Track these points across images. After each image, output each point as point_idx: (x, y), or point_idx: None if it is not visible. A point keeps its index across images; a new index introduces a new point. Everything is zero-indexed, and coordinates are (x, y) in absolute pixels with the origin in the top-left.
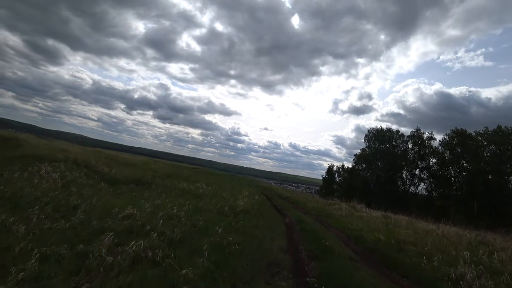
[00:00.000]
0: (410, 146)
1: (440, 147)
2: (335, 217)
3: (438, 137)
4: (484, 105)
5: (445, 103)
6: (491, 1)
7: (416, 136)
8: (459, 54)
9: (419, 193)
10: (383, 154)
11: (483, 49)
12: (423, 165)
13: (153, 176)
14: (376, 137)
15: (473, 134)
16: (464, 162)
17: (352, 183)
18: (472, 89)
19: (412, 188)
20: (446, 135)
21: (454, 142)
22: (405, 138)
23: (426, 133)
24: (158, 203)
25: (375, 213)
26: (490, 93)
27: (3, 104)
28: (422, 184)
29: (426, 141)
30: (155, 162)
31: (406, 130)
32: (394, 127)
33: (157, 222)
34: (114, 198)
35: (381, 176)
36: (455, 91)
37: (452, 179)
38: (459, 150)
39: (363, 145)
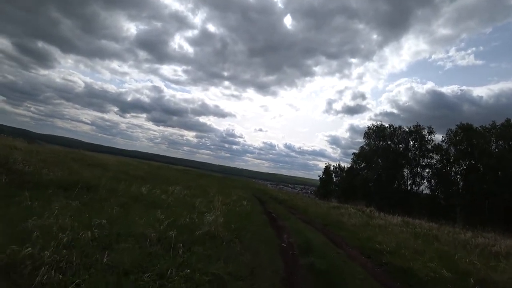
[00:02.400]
0: (411, 143)
1: (444, 143)
2: (347, 228)
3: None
4: (475, 103)
5: (438, 101)
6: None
7: (416, 131)
8: (450, 53)
9: (422, 192)
10: (383, 151)
11: (474, 48)
12: (424, 162)
13: (112, 178)
14: (376, 133)
15: (480, 129)
16: (471, 159)
17: (352, 182)
18: (464, 87)
19: (414, 187)
20: (449, 130)
21: (458, 137)
22: (404, 135)
23: (426, 129)
24: (32, 225)
25: (392, 219)
26: (481, 91)
27: None
28: (426, 182)
29: (427, 137)
30: (137, 163)
31: None
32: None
33: None
34: None
35: (382, 175)
36: (447, 89)
37: (458, 177)
38: (465, 146)
39: (358, 145)
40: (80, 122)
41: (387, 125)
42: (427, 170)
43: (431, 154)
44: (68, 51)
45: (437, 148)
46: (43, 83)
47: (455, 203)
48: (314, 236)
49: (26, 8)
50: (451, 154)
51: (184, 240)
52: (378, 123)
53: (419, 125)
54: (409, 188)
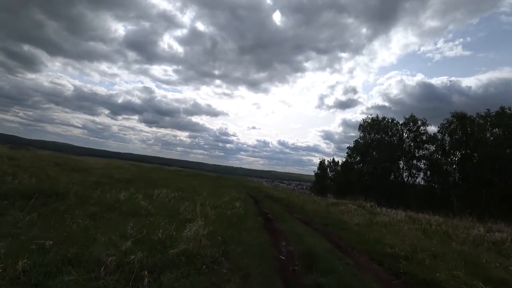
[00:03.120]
0: (405, 135)
1: (438, 134)
2: (351, 228)
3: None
4: (465, 93)
5: (428, 93)
6: None
7: (412, 121)
8: (438, 45)
9: (419, 184)
10: (378, 144)
11: (461, 39)
12: (420, 153)
13: (93, 183)
14: (371, 126)
15: (475, 117)
16: (466, 148)
17: (348, 177)
18: (453, 78)
19: (411, 179)
20: (445, 119)
21: (453, 126)
22: (398, 127)
23: (420, 121)
24: None
25: (396, 214)
26: (470, 81)
27: None
28: (422, 174)
29: (421, 127)
30: (128, 165)
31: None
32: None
33: None
34: None
35: (377, 168)
36: (437, 81)
37: (454, 166)
38: (461, 135)
39: (351, 139)
40: (71, 126)
41: (380, 118)
42: (423, 161)
43: (426, 145)
44: (55, 53)
45: (432, 138)
46: (31, 87)
47: (451, 193)
48: (316, 242)
49: (7, 10)
50: (446, 144)
51: (154, 263)
52: (374, 115)
53: (414, 116)
54: (406, 180)
